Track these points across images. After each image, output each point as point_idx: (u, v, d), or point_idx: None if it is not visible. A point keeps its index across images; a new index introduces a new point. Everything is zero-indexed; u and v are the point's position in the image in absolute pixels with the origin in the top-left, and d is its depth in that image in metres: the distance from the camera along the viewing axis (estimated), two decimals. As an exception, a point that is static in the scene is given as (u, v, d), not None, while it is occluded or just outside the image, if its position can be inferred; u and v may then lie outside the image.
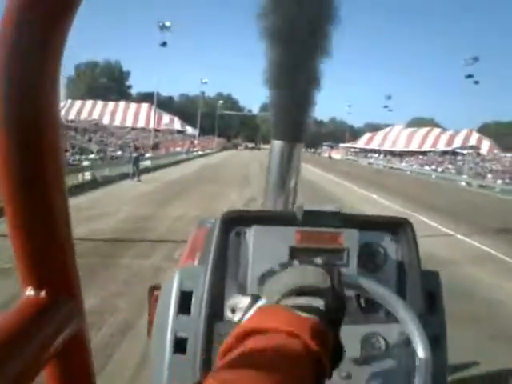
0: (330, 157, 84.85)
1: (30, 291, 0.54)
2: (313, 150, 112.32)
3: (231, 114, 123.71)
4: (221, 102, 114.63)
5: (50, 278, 0.56)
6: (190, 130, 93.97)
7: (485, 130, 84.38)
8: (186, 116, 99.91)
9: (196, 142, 77.58)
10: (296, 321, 0.65)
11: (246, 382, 0.55)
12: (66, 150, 28.30)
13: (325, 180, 29.55)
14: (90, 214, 11.01)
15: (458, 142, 75.48)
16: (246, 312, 0.89)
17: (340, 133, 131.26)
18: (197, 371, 1.09)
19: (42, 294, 0.54)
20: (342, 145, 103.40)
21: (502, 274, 8.61)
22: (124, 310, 5.35)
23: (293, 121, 1.40)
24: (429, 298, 1.28)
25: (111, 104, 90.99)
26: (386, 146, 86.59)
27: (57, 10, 0.45)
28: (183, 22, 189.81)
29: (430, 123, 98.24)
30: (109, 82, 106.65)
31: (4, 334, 0.47)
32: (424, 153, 77.89)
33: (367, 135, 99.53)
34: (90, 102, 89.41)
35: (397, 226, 1.33)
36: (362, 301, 1.22)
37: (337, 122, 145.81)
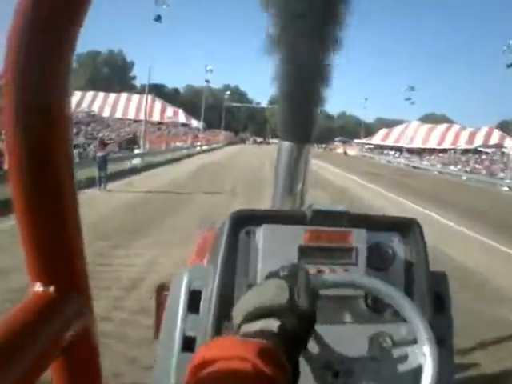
0: (345, 153, 79.42)
1: (38, 287, 0.54)
2: (323, 145, 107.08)
3: (239, 107, 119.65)
4: (228, 93, 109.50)
5: (58, 274, 0.56)
6: (195, 123, 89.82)
7: (504, 127, 78.63)
8: (192, 108, 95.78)
9: (200, 135, 72.37)
10: (244, 347, 0.66)
11: None
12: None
13: (346, 181, 25.13)
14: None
15: (479, 140, 70.54)
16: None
17: (351, 128, 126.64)
18: None
19: (51, 289, 0.54)
20: (356, 141, 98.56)
21: None
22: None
23: (301, 122, 1.41)
24: (436, 299, 1.29)
25: (113, 95, 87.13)
26: (403, 143, 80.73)
27: (66, 11, 0.45)
28: (190, 12, 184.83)
29: (443, 119, 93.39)
30: (111, 73, 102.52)
31: (13, 329, 0.47)
32: (444, 150, 72.90)
33: (383, 131, 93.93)
34: (90, 94, 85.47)
35: (405, 227, 1.34)
36: (369, 300, 1.22)
37: (347, 117, 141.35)
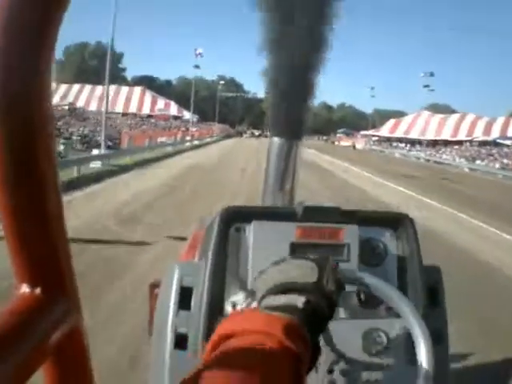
0: (354, 147, 71.90)
1: (25, 288, 0.54)
2: (325, 137, 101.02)
3: (235, 99, 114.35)
4: (221, 82, 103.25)
5: (45, 275, 0.55)
6: (187, 115, 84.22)
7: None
8: (186, 101, 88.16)
9: (193, 129, 66.12)
10: (269, 321, 0.66)
11: (223, 381, 0.57)
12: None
13: (384, 190, 18.46)
14: None
15: (496, 131, 64.72)
16: (246, 307, 1.00)
17: (350, 119, 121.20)
18: None
19: (37, 290, 0.54)
20: (362, 132, 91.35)
21: None
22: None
23: (292, 118, 1.41)
24: (430, 293, 1.28)
25: (100, 88, 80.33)
26: (414, 135, 75.14)
27: (46, 6, 0.44)
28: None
29: (447, 110, 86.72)
30: (100, 65, 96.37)
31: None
32: (459, 142, 66.97)
33: (391, 122, 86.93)
34: (76, 86, 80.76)
35: (397, 222, 1.33)
36: (362, 296, 1.21)
37: (346, 108, 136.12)
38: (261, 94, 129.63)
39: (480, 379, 4.09)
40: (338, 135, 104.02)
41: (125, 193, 13.05)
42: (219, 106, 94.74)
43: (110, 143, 27.58)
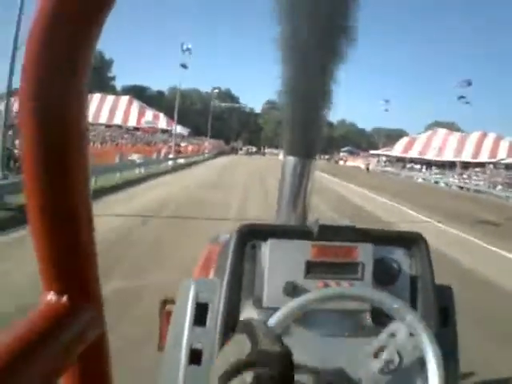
0: (367, 169, 63.85)
1: (51, 296, 0.54)
2: (327, 156, 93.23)
3: (230, 112, 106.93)
4: (216, 91, 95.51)
5: (71, 284, 0.55)
6: (178, 128, 76.43)
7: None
8: (179, 114, 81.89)
9: (182, 144, 58.01)
10: None
11: None
12: None
13: (443, 240, 10.63)
14: None
15: None
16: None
17: (353, 137, 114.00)
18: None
19: (64, 299, 0.54)
20: (372, 151, 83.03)
21: None
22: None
23: (306, 137, 1.43)
24: (442, 313, 1.30)
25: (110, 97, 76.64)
26: (431, 155, 67.43)
27: (84, 23, 0.45)
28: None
29: (452, 129, 78.48)
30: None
31: (24, 338, 0.47)
32: (480, 164, 59.29)
33: (404, 140, 78.75)
34: None
35: (411, 241, 1.35)
36: (374, 314, 1.24)
37: (347, 125, 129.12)
38: (258, 109, 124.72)
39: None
40: (341, 154, 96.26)
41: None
42: (213, 121, 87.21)
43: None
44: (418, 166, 68.08)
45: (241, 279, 1.22)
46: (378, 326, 1.21)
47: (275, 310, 1.09)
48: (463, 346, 1.32)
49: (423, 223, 15.24)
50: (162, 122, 76.97)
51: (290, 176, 1.49)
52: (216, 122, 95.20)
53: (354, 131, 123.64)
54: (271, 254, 1.24)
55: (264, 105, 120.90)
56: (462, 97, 63.00)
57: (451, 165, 62.64)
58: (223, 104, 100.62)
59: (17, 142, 21.82)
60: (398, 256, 1.33)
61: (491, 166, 57.76)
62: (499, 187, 43.74)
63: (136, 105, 79.12)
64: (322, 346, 1.17)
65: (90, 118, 67.68)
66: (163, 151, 42.12)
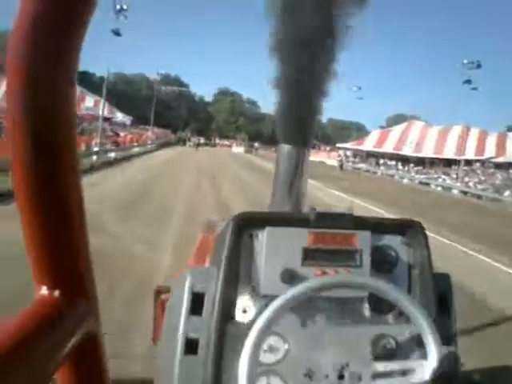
0: (341, 166, 50.78)
1: (43, 291, 0.53)
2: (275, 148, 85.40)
3: (179, 100, 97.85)
4: (160, 73, 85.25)
5: (64, 278, 0.54)
6: (120, 116, 67.15)
7: None
8: (122, 100, 74.88)
9: (122, 134, 48.96)
10: None
11: None
12: None
13: None
14: None
15: (510, 149, 48.83)
16: (257, 314, 1.05)
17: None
18: (208, 372, 1.12)
19: (56, 293, 0.53)
20: (340, 145, 71.13)
21: None
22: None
23: (300, 126, 1.44)
24: (439, 300, 1.30)
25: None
26: (407, 150, 57.87)
27: (72, 16, 0.45)
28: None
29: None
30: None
31: (16, 334, 0.46)
32: (467, 162, 49.38)
33: (376, 133, 67.72)
34: None
35: (408, 229, 1.34)
36: (372, 301, 1.24)
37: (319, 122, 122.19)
38: (208, 98, 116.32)
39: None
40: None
41: None
42: (161, 110, 77.99)
43: None
44: (393, 163, 58.78)
45: (237, 267, 1.21)
46: (375, 314, 1.23)
47: (272, 297, 1.07)
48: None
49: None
50: (104, 109, 67.66)
51: (284, 164, 1.49)
52: (164, 110, 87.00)
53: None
54: (268, 241, 1.22)
55: (215, 93, 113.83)
56: (468, 81, 49.61)
57: (431, 162, 54.28)
58: (167, 87, 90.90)
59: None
60: (396, 244, 1.32)
61: (477, 164, 49.64)
62: (507, 193, 35.03)
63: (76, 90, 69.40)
64: (320, 334, 1.16)
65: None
66: (94, 142, 33.35)
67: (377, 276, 1.21)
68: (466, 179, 43.44)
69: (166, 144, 60.12)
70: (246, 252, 1.23)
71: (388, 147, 61.63)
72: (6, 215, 4.34)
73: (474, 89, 50.39)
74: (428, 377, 1.00)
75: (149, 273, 6.12)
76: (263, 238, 1.23)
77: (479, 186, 39.27)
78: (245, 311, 1.15)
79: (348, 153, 68.46)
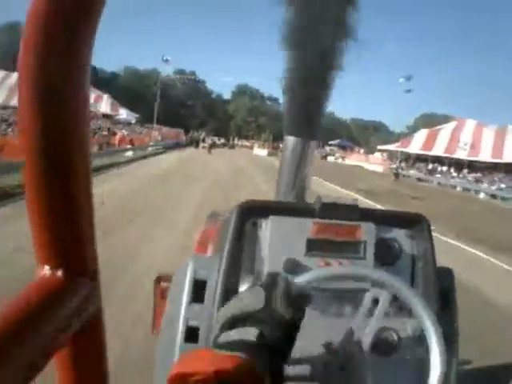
0: (396, 175, 39.03)
1: (46, 270, 0.52)
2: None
3: (195, 99, 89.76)
4: (167, 58, 76.20)
5: (67, 258, 0.53)
6: (124, 113, 60.08)
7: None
8: (133, 96, 74.05)
9: (119, 133, 40.25)
10: (220, 361, 0.65)
11: None
12: None
13: None
14: None
15: None
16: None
17: (337, 127, 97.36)
18: None
19: (59, 273, 0.52)
20: (380, 147, 61.78)
21: None
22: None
23: (307, 118, 1.45)
24: (442, 294, 1.30)
25: (15, 75, 55.61)
26: (461, 154, 49.32)
27: (82, 15, 0.44)
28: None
29: (449, 121, 58.72)
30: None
31: (18, 314, 0.45)
32: None
33: (423, 133, 57.58)
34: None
35: (413, 222, 1.34)
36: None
37: (325, 116, 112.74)
38: (227, 95, 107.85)
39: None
40: (328, 148, 78.14)
41: None
42: (175, 107, 70.39)
43: None
44: (444, 168, 50.43)
45: (240, 256, 1.20)
46: (377, 307, 1.19)
47: None
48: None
49: None
50: (106, 104, 58.72)
51: (290, 156, 1.49)
52: (178, 108, 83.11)
53: (328, 120, 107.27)
54: (272, 230, 1.22)
55: (234, 91, 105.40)
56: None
57: (491, 167, 45.88)
58: (175, 74, 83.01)
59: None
60: (400, 236, 1.31)
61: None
62: None
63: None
64: (322, 325, 1.16)
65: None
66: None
67: (380, 268, 1.21)
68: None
69: (173, 146, 45.57)
70: (249, 241, 1.21)
71: (438, 150, 52.88)
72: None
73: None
74: (428, 369, 0.98)
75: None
76: (267, 226, 1.22)
77: None
78: None
79: (384, 155, 58.82)
